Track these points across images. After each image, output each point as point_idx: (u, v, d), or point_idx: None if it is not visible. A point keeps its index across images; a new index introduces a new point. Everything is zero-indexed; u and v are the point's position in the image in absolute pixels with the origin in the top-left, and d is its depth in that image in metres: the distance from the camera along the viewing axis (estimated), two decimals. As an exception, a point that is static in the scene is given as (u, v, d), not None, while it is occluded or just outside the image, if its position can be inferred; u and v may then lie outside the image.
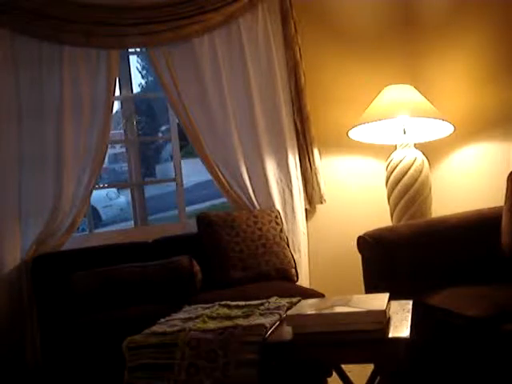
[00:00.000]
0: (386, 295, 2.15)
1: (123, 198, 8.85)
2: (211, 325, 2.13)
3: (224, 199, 3.90)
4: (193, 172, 5.47)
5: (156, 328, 2.21)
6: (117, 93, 3.72)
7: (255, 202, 3.69)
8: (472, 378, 2.44)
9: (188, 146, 4.87)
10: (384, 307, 2.00)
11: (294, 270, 3.46)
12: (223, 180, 3.67)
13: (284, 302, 2.38)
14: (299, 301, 2.38)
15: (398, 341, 1.89)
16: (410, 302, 2.25)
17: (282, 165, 3.73)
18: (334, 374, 2.47)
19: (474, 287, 2.70)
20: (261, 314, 2.22)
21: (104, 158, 3.60)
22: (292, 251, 3.56)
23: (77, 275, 3.13)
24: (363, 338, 1.93)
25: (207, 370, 1.99)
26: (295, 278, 3.46)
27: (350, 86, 3.95)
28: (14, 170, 3.32)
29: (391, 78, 3.78)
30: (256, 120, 3.67)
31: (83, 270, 3.16)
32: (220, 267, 3.36)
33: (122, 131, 4.01)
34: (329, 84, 3.92)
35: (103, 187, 8.02)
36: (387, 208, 3.65)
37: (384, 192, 3.68)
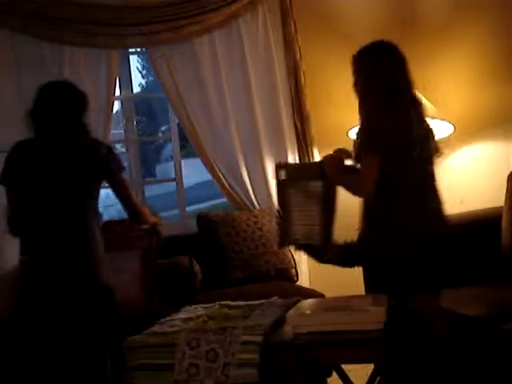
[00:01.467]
0: (386, 295, 2.15)
1: (123, 198, 8.84)
2: (211, 325, 2.13)
3: (224, 199, 3.89)
4: (193, 172, 5.47)
5: (156, 328, 2.21)
6: (117, 93, 3.72)
7: (255, 202, 3.69)
8: (472, 377, 2.44)
9: (188, 146, 4.87)
10: (384, 307, 2.00)
11: (294, 270, 3.46)
12: (223, 180, 3.67)
13: (284, 302, 2.38)
14: (299, 301, 2.38)
15: (397, 341, 1.89)
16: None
17: (282, 165, 3.73)
18: (334, 373, 2.47)
19: (474, 287, 2.71)
20: (261, 314, 2.22)
21: (104, 158, 3.60)
22: (292, 251, 3.56)
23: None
24: (363, 337, 1.93)
25: (207, 370, 1.99)
26: (295, 278, 3.46)
27: (350, 85, 3.92)
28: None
29: (391, 78, 3.77)
30: (256, 120, 3.67)
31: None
32: (220, 267, 3.36)
33: (122, 131, 4.01)
34: (329, 84, 3.91)
35: (104, 187, 8.02)
36: (387, 208, 3.64)
37: (384, 192, 3.67)
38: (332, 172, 2.35)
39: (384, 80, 2.34)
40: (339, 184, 2.41)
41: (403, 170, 2.21)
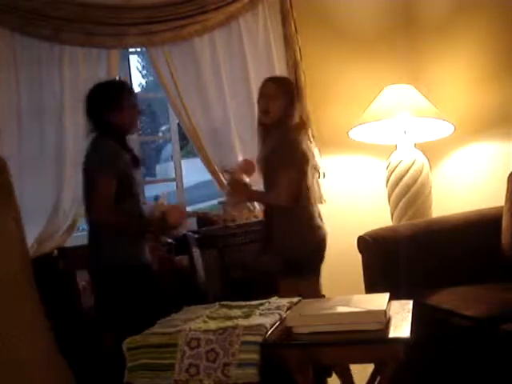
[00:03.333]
0: (386, 295, 2.15)
1: (123, 198, 8.80)
2: (211, 325, 2.13)
3: (224, 199, 3.89)
4: (193, 172, 5.46)
5: (156, 328, 2.21)
6: (117, 93, 3.71)
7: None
8: (472, 377, 2.44)
9: (188, 146, 4.88)
10: (384, 307, 2.00)
11: (294, 270, 3.45)
12: (223, 180, 3.67)
13: (284, 301, 2.38)
14: (299, 301, 2.38)
15: (398, 341, 1.89)
16: (410, 302, 2.24)
17: (282, 165, 3.73)
18: (334, 374, 2.47)
19: (473, 287, 2.71)
20: (261, 314, 2.22)
21: (104, 158, 3.60)
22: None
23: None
24: (363, 337, 1.93)
25: (207, 370, 1.98)
26: (295, 278, 3.45)
27: (350, 85, 3.95)
28: (14, 171, 3.31)
29: (391, 77, 3.78)
30: (256, 120, 3.66)
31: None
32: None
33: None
34: (329, 84, 3.92)
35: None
36: (387, 208, 3.65)
37: (384, 192, 3.67)
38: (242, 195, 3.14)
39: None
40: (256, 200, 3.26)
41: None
